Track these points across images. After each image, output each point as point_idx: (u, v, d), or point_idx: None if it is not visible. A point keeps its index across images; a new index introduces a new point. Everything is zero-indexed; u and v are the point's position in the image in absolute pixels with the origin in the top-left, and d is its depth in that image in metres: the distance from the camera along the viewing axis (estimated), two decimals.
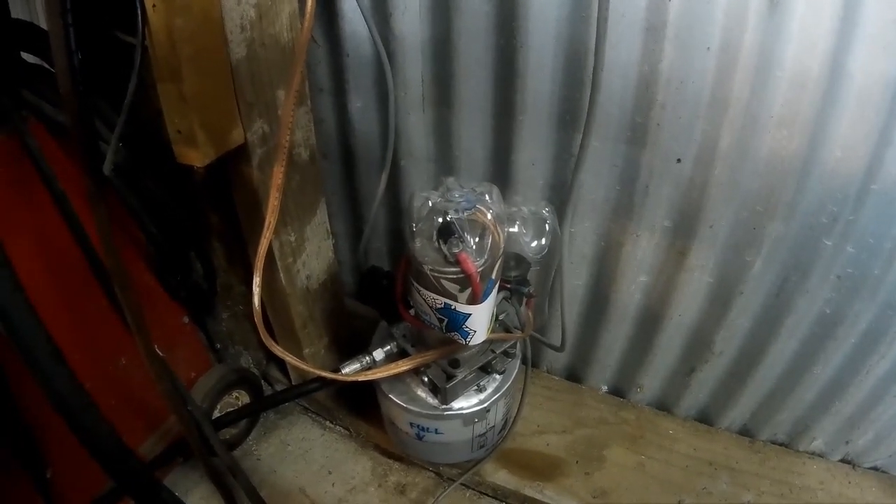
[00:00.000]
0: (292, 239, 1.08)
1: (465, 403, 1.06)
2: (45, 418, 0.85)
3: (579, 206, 1.12)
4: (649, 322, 1.23)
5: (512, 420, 1.24)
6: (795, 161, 0.95)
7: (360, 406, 1.30)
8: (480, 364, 1.03)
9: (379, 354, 1.04)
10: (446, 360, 1.01)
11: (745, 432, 1.33)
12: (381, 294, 1.06)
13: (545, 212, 1.03)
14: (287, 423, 1.36)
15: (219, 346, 1.33)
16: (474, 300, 0.85)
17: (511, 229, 1.00)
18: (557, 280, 1.08)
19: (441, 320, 0.89)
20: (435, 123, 1.16)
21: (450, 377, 1.00)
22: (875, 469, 1.27)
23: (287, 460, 1.30)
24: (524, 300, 1.04)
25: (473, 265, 0.81)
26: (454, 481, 1.23)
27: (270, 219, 0.91)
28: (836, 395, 1.18)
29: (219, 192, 1.04)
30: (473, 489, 1.26)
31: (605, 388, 1.42)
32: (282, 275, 1.09)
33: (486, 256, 0.83)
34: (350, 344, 1.13)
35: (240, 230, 1.08)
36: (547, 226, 1.03)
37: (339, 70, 1.19)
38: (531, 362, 1.30)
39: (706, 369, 1.25)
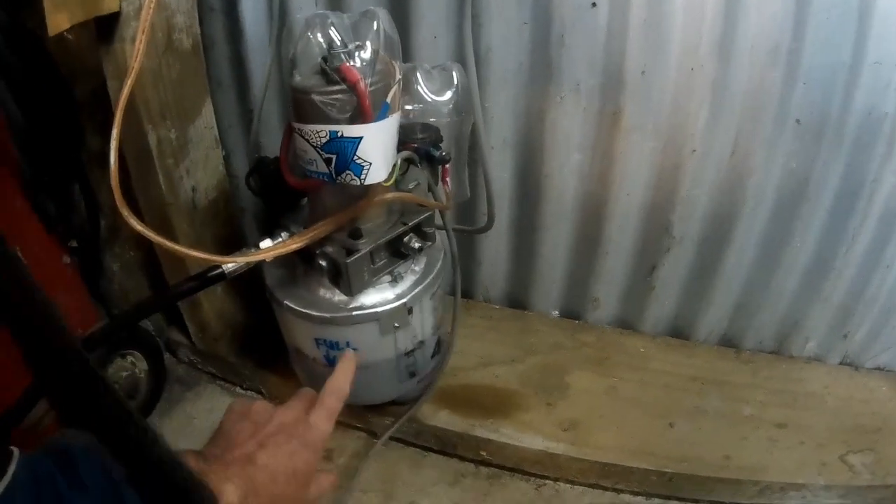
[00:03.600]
0: (173, 136, 0.95)
1: (379, 298, 0.88)
2: None
3: (492, 78, 1.00)
4: (593, 212, 1.07)
5: (447, 346, 1.03)
6: None
7: (269, 360, 1.10)
8: (389, 237, 0.86)
9: (266, 243, 0.86)
10: (346, 234, 0.84)
11: (727, 343, 1.14)
12: (271, 178, 0.91)
13: (451, 66, 0.92)
14: (193, 395, 1.14)
15: (116, 312, 1.15)
16: (364, 118, 0.71)
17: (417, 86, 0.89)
18: (479, 160, 0.94)
19: (329, 160, 0.74)
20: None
21: (351, 251, 0.83)
22: (879, 369, 1.08)
23: (193, 435, 1.07)
24: (439, 170, 0.90)
25: (358, 74, 0.69)
26: (387, 436, 1.00)
27: (134, 64, 0.78)
28: (822, 275, 1.02)
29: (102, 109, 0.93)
30: (413, 445, 1.03)
31: (555, 312, 1.23)
32: (161, 178, 0.94)
33: (374, 75, 0.71)
34: None
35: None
36: (454, 76, 0.90)
37: None
38: (465, 293, 1.12)
39: (668, 263, 1.07)
